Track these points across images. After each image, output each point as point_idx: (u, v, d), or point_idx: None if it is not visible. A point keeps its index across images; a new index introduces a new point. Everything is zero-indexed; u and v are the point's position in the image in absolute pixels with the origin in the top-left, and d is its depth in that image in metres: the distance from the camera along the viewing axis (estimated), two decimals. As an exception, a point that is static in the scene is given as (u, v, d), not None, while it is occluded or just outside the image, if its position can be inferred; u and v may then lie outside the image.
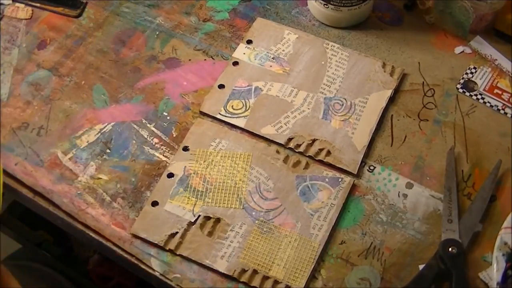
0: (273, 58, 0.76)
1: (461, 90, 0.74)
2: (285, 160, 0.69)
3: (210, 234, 0.64)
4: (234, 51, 0.76)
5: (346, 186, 0.67)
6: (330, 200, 0.66)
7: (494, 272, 0.61)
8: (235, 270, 0.62)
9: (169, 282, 0.62)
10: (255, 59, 0.76)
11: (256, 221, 0.65)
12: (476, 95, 0.73)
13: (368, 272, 0.63)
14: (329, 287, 0.62)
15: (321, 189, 0.67)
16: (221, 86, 0.74)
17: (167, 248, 0.63)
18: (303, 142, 0.69)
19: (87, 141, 0.70)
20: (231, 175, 0.68)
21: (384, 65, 0.75)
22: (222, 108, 0.72)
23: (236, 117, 0.71)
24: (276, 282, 0.62)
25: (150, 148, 0.70)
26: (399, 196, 0.67)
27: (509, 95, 0.73)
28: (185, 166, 0.68)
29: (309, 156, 0.69)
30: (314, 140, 0.70)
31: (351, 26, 0.79)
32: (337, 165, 0.68)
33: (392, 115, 0.72)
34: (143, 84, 0.74)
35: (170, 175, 0.68)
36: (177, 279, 0.62)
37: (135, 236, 0.64)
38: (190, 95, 0.74)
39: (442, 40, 0.78)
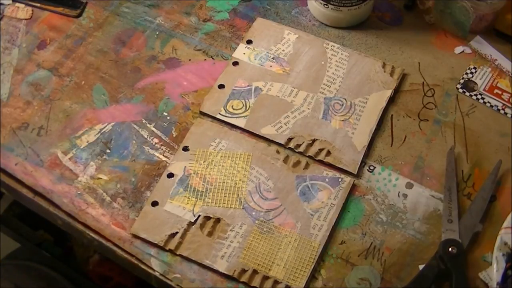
0: (273, 58, 0.76)
1: (461, 90, 0.74)
2: (285, 160, 0.69)
3: (210, 234, 0.64)
4: (234, 51, 0.76)
5: (346, 186, 0.67)
6: (330, 200, 0.66)
7: (494, 272, 0.61)
8: (235, 270, 0.62)
9: (169, 282, 0.62)
10: (255, 59, 0.76)
11: (256, 221, 0.65)
12: (476, 95, 0.73)
13: (368, 272, 0.63)
14: (329, 287, 0.62)
15: (321, 189, 0.67)
16: (221, 86, 0.74)
17: (167, 248, 0.63)
18: (303, 142, 0.69)
19: (87, 141, 0.70)
20: (231, 175, 0.68)
21: (384, 65, 0.75)
22: (222, 108, 0.72)
23: (236, 117, 0.71)
24: (276, 282, 0.62)
25: (150, 148, 0.70)
26: (399, 196, 0.67)
27: (509, 95, 0.73)
28: (185, 166, 0.68)
29: (309, 156, 0.69)
30: (314, 140, 0.70)
31: (351, 26, 0.79)
32: (337, 165, 0.68)
33: (392, 115, 0.72)
34: (143, 84, 0.74)
35: (170, 175, 0.68)
36: (177, 279, 0.62)
37: (135, 236, 0.64)
38: (190, 95, 0.74)
39: (442, 40, 0.78)
